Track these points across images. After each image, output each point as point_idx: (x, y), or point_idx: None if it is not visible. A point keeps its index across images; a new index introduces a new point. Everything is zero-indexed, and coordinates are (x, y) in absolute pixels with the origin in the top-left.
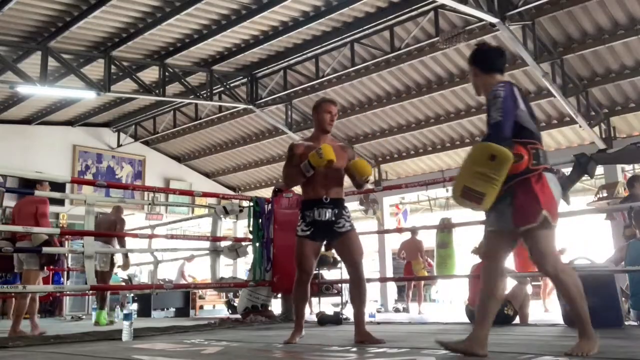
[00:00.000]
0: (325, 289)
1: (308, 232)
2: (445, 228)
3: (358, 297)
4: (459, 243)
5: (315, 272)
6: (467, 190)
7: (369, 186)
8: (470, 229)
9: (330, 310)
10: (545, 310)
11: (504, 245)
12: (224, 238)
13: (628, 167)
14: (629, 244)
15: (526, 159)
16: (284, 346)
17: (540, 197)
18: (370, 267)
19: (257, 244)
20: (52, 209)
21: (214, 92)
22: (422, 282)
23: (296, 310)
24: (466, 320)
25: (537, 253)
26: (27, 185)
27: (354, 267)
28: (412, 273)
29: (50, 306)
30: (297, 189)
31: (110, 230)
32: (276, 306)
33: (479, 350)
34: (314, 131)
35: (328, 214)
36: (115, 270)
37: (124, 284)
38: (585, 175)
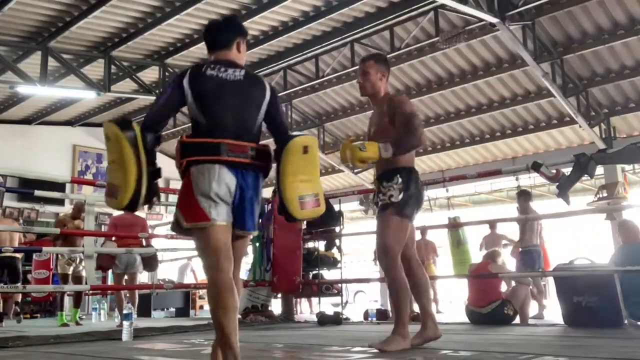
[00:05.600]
0: (325, 289)
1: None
2: (454, 227)
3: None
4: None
5: (315, 272)
6: (108, 186)
7: (369, 186)
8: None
9: (330, 310)
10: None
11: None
12: None
13: (628, 167)
14: (618, 249)
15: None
16: (284, 346)
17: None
18: (370, 267)
19: (257, 244)
20: (52, 208)
21: None
22: (435, 281)
23: (395, 310)
24: (466, 320)
25: None
26: (27, 186)
27: (406, 261)
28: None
29: (50, 306)
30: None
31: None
32: (276, 306)
33: None
34: None
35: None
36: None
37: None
38: (585, 175)
